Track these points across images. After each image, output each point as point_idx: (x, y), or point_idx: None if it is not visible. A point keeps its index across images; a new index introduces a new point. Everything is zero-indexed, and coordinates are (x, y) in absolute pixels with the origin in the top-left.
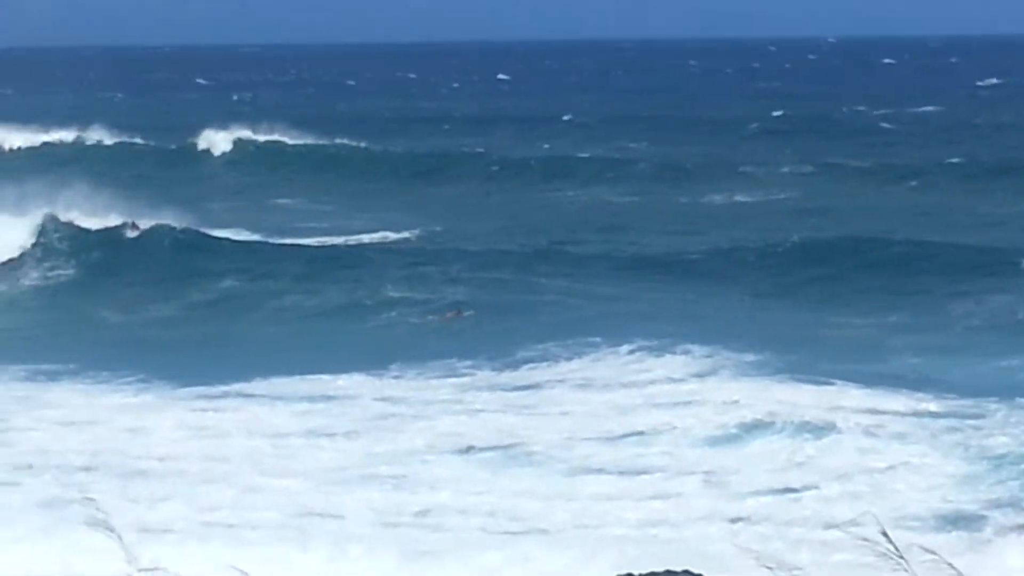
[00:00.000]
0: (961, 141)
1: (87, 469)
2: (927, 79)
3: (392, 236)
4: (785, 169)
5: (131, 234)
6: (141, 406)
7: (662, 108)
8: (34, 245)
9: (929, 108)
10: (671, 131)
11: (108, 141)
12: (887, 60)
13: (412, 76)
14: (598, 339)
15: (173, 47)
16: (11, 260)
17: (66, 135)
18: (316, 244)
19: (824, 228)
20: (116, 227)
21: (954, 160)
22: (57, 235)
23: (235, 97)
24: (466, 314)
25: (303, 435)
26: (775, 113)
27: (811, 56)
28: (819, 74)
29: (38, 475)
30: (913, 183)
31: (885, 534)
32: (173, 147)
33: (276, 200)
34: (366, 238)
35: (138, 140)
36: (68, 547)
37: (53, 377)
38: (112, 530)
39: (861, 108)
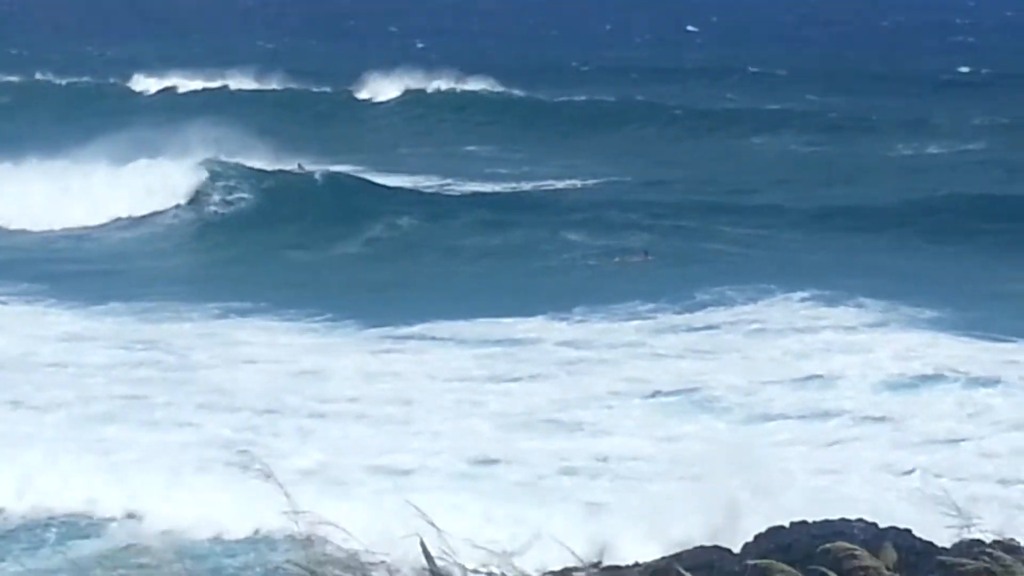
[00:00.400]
0: None
1: (268, 411)
2: None
3: (578, 183)
4: (976, 122)
5: (308, 174)
6: (325, 347)
7: (852, 62)
8: (212, 186)
9: None
10: (861, 83)
11: (281, 86)
12: None
13: (607, 27)
14: (773, 286)
15: None
16: (190, 200)
17: (244, 81)
18: (500, 190)
19: (1013, 183)
20: (289, 170)
21: None
22: (233, 176)
23: (420, 44)
24: (649, 258)
25: (486, 379)
26: (964, 69)
27: (1008, 13)
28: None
29: (216, 414)
30: None
31: None
32: (342, 94)
33: (465, 147)
34: (553, 184)
35: (312, 88)
36: (233, 491)
37: (243, 314)
38: (269, 476)
39: None
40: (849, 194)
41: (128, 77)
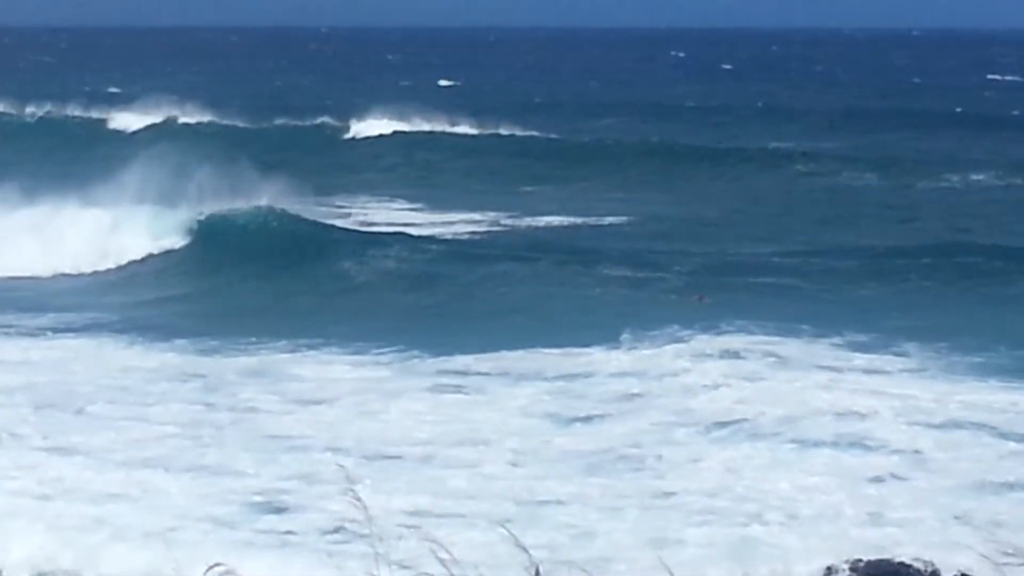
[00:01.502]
0: None
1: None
2: None
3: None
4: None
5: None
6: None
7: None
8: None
9: None
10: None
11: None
12: None
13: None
14: (806, 327)
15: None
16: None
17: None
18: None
19: None
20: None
21: None
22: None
23: (441, 83)
24: (705, 300)
25: (543, 416)
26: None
27: None
28: None
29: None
30: None
31: None
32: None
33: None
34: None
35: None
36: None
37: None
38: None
39: None
40: (899, 232)
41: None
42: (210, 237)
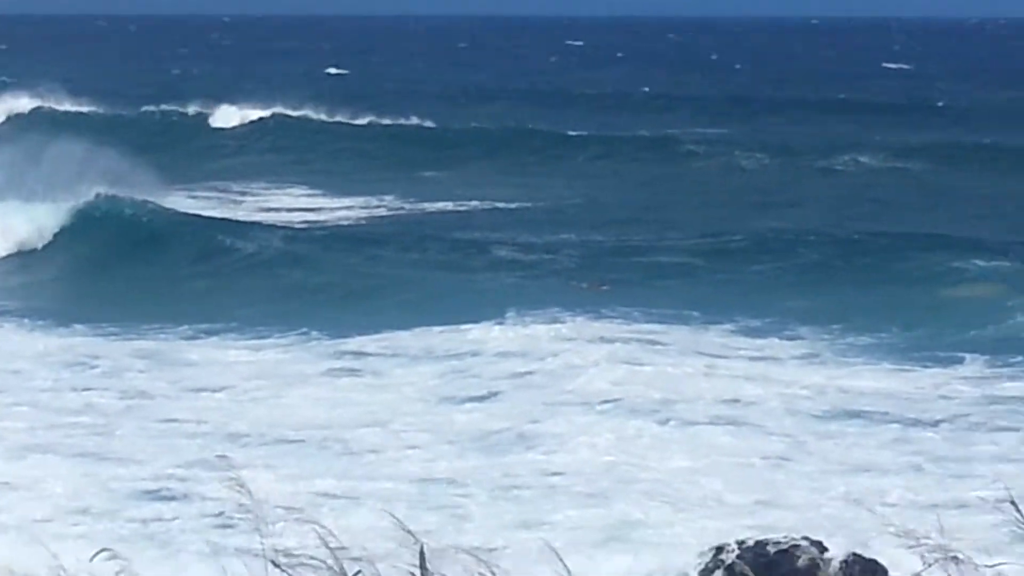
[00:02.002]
0: None
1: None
2: None
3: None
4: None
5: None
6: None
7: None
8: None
9: None
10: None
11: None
12: None
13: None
14: (697, 312)
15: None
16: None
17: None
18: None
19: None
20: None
21: None
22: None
23: (331, 70)
24: (604, 288)
25: (436, 398)
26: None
27: None
28: None
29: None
30: None
31: (1015, 506)
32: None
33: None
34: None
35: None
36: None
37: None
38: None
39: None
40: (791, 214)
41: None
42: (84, 228)
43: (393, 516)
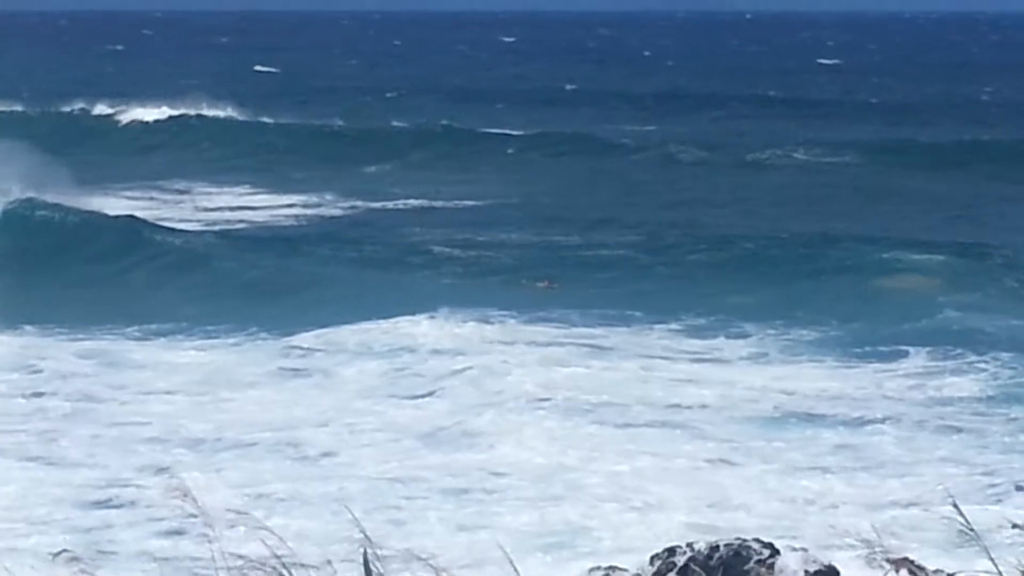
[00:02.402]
0: None
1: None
2: None
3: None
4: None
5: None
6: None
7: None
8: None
9: None
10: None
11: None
12: None
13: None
14: (640, 313)
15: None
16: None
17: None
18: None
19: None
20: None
21: None
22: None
23: (258, 68)
24: (554, 286)
25: (379, 395)
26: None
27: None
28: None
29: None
30: None
31: (958, 510)
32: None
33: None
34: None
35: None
36: None
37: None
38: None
39: None
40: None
41: None
42: (8, 229)
43: (351, 514)
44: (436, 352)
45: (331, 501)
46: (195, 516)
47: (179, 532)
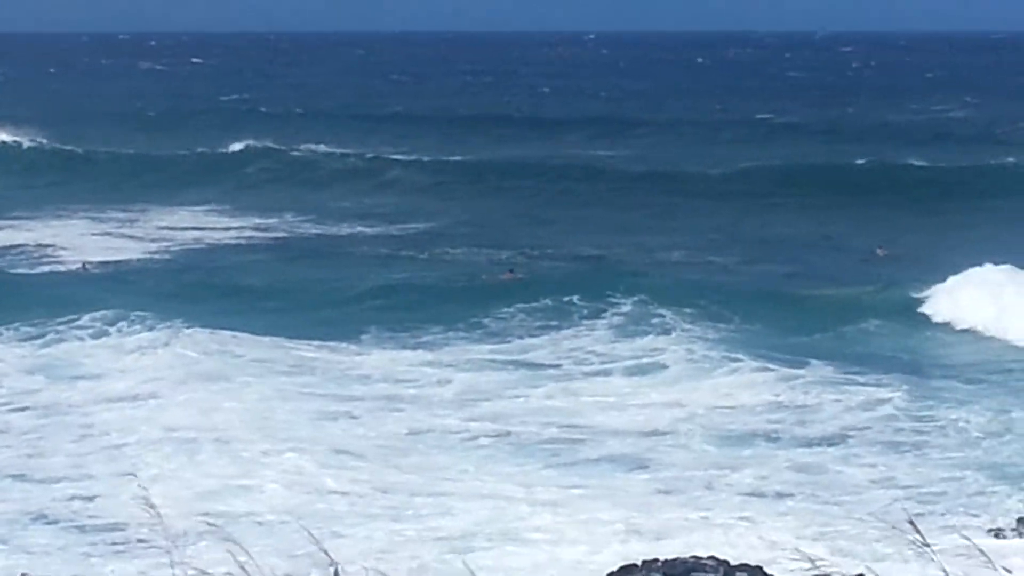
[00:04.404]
0: None
1: None
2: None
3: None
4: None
5: None
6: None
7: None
8: None
9: None
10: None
11: None
12: None
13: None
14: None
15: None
16: None
17: None
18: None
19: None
20: None
21: None
22: None
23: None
24: (518, 276)
25: (323, 414)
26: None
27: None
28: None
29: None
30: None
31: (912, 523)
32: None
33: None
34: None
35: None
36: None
37: None
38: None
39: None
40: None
41: None
42: None
43: (310, 534)
44: (365, 375)
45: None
46: (156, 529)
47: (144, 541)
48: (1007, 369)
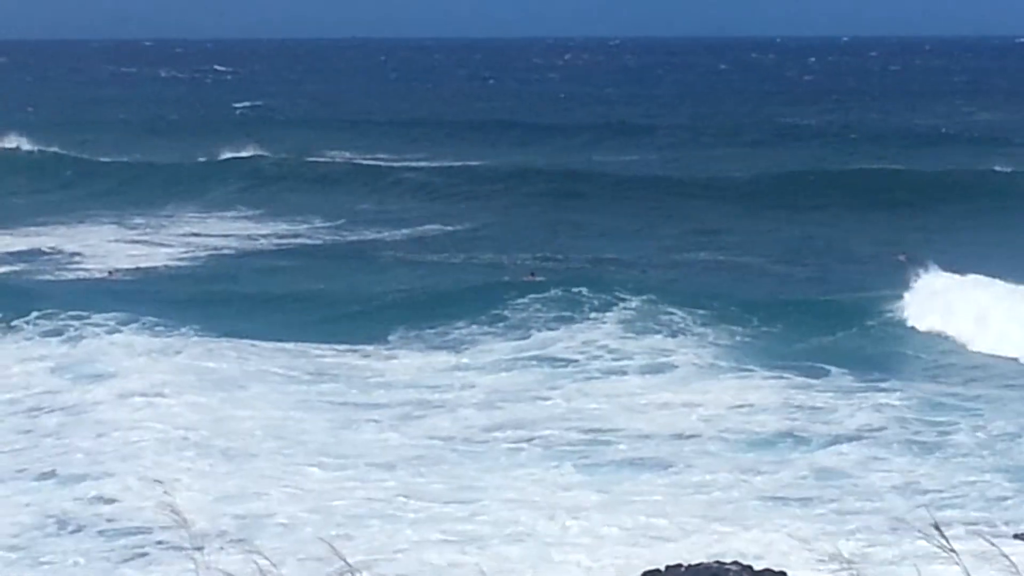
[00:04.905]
0: None
1: None
2: None
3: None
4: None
5: None
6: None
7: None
8: None
9: None
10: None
11: None
12: None
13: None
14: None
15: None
16: None
17: None
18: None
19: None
20: None
21: None
22: None
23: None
24: (537, 278)
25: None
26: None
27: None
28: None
29: None
30: None
31: (937, 527)
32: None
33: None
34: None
35: None
36: None
37: None
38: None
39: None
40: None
41: None
42: None
43: (328, 543)
44: (395, 380)
45: (307, 525)
46: (181, 534)
47: (165, 542)
48: None
